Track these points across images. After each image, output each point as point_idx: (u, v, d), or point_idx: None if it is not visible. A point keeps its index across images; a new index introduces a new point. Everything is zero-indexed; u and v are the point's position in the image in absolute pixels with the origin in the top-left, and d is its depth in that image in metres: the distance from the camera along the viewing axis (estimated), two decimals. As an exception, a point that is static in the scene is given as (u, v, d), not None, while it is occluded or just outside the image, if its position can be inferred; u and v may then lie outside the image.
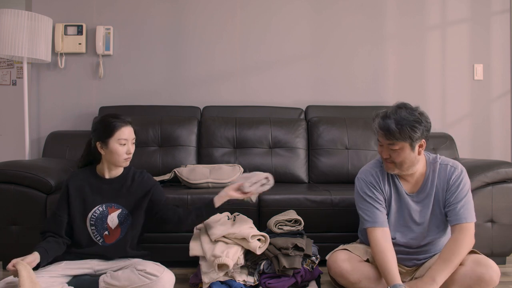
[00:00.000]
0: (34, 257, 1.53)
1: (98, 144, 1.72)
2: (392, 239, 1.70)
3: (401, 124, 1.59)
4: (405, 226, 1.73)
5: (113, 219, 1.74)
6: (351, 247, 1.79)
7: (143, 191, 1.77)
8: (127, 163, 1.77)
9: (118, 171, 1.79)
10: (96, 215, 1.73)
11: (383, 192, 1.74)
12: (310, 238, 2.00)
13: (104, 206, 1.74)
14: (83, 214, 1.73)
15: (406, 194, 1.73)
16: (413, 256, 1.75)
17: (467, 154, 3.11)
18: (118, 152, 1.70)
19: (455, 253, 1.54)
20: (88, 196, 1.74)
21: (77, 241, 1.73)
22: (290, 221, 1.97)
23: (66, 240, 1.71)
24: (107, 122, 1.72)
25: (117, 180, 1.78)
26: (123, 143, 1.71)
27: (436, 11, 3.14)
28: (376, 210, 1.70)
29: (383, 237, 1.65)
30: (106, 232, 1.74)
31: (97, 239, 1.73)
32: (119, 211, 1.75)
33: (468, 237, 1.59)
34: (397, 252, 1.68)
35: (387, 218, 1.72)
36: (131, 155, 1.75)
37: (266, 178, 1.81)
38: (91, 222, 1.73)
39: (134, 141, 1.76)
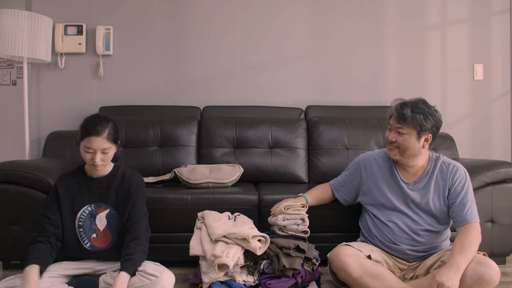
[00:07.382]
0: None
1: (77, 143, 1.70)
2: (393, 222, 1.79)
3: (416, 112, 1.71)
4: (401, 212, 1.79)
5: (101, 219, 1.72)
6: (353, 243, 1.80)
7: (129, 191, 1.73)
8: (96, 170, 1.72)
9: (105, 170, 1.76)
10: (85, 215, 1.71)
11: (359, 185, 1.94)
12: (310, 241, 1.97)
13: (93, 205, 1.73)
14: (72, 215, 1.70)
15: (402, 181, 1.81)
16: (413, 247, 1.76)
17: (467, 154, 3.11)
18: (85, 157, 1.68)
19: (471, 243, 1.60)
20: (77, 195, 1.72)
21: (65, 245, 1.70)
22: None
23: (55, 242, 1.66)
24: (82, 125, 1.68)
25: (105, 179, 1.75)
26: (90, 151, 1.65)
27: (436, 11, 3.14)
28: (347, 183, 1.99)
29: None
30: (94, 235, 1.71)
31: (84, 242, 1.71)
32: (107, 211, 1.73)
33: (477, 233, 1.65)
34: (399, 239, 1.77)
35: (384, 201, 1.83)
36: (101, 165, 1.68)
37: (302, 219, 1.89)
38: (80, 223, 1.70)
39: (108, 151, 1.67)
